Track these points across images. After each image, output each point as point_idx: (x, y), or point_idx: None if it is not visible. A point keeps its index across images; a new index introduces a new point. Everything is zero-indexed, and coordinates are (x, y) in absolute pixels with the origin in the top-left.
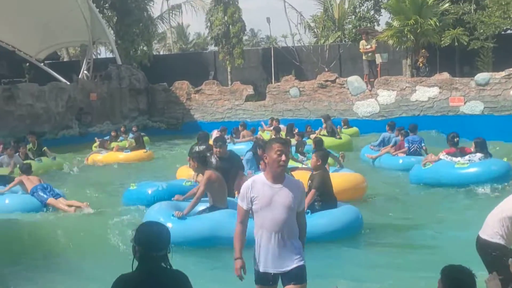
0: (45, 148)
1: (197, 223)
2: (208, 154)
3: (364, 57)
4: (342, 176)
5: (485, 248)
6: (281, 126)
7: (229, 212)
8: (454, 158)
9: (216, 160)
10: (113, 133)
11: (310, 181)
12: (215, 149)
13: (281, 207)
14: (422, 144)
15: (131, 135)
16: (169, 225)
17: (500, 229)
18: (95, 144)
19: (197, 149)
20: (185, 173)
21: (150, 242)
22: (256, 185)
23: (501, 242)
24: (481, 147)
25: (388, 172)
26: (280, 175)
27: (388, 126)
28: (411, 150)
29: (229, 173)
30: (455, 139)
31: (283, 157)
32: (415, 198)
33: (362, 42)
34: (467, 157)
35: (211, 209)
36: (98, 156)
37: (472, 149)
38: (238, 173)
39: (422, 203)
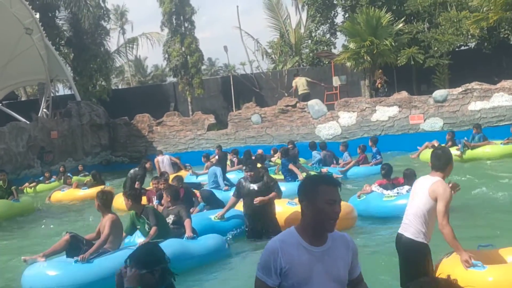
0: (13, 187)
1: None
2: (242, 180)
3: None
4: None
5: (409, 247)
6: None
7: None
8: (384, 191)
9: (248, 184)
10: (46, 174)
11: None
12: (247, 173)
13: (328, 282)
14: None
15: (69, 174)
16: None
17: (422, 227)
18: (32, 185)
19: (131, 172)
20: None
21: (138, 259)
22: (287, 248)
23: (424, 241)
24: (409, 178)
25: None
26: (325, 233)
27: (370, 141)
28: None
29: (263, 194)
30: (382, 172)
31: (337, 208)
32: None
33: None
34: (395, 189)
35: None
36: (59, 194)
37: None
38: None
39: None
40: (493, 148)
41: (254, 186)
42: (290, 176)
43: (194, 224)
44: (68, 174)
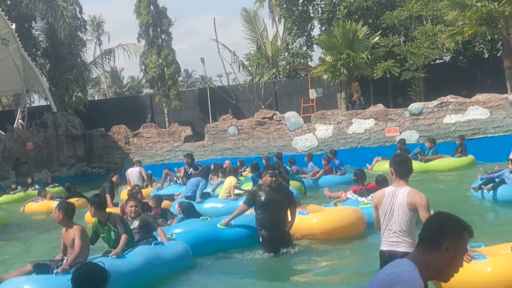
0: None
1: None
2: (255, 188)
3: None
4: (342, 211)
5: None
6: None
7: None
8: (359, 197)
9: (267, 191)
10: (12, 185)
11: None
12: (270, 178)
13: None
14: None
15: (37, 186)
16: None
17: (412, 239)
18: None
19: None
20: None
21: (79, 282)
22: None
23: None
24: (382, 184)
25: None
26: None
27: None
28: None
29: (283, 204)
30: (354, 178)
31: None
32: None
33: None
34: (370, 196)
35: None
36: (33, 205)
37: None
38: (291, 204)
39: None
40: (446, 161)
41: (274, 194)
42: None
43: (199, 231)
44: (37, 186)
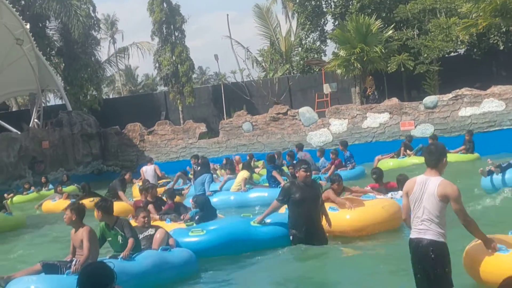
0: (5, 201)
1: None
2: (289, 184)
3: None
4: (382, 203)
5: (433, 249)
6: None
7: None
8: (377, 194)
9: (302, 188)
10: (26, 185)
11: None
12: (305, 173)
13: None
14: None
15: (51, 186)
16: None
17: (441, 228)
18: (9, 196)
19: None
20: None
21: (86, 282)
22: None
23: (445, 240)
24: (403, 184)
25: None
26: None
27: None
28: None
29: (317, 201)
30: (373, 176)
31: None
32: None
33: None
34: (389, 194)
35: None
36: (49, 204)
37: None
38: (322, 201)
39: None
40: (450, 157)
41: (310, 190)
42: (273, 182)
43: (232, 229)
44: (50, 186)
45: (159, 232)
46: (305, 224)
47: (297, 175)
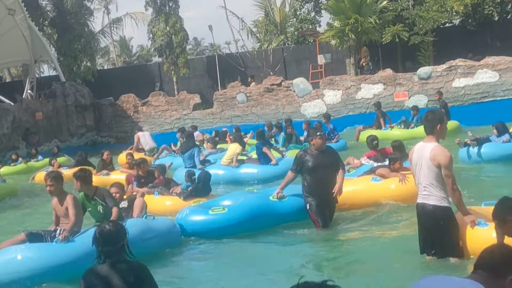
0: None
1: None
2: (302, 152)
3: None
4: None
5: (435, 213)
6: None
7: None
8: (374, 163)
9: (315, 155)
10: (13, 156)
11: None
12: (321, 140)
13: None
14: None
15: (40, 158)
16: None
17: (442, 192)
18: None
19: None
20: None
21: (102, 241)
22: None
23: (448, 204)
24: (399, 150)
25: None
26: None
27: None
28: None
29: (332, 168)
30: (374, 142)
31: None
32: None
33: None
34: (386, 163)
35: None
36: (43, 175)
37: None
38: (338, 168)
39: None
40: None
41: (323, 158)
42: (264, 159)
43: (253, 205)
44: (40, 157)
45: (139, 199)
46: (320, 191)
47: (312, 142)
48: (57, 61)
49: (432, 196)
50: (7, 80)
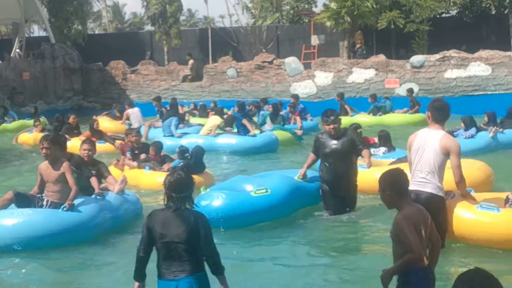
0: None
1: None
2: (320, 135)
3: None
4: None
5: (431, 202)
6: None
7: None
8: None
9: (328, 140)
10: None
11: None
12: (328, 127)
13: None
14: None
15: (7, 122)
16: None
17: (440, 182)
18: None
19: None
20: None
21: (171, 186)
22: None
23: (444, 195)
24: (384, 140)
25: None
26: None
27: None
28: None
29: (346, 155)
30: (358, 130)
31: None
32: None
33: None
34: (372, 150)
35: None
36: (25, 136)
37: (376, 141)
38: (358, 154)
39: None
40: (399, 117)
41: (336, 144)
42: (243, 130)
43: (290, 185)
44: (7, 122)
45: (111, 178)
46: (328, 178)
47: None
48: (48, 22)
49: (429, 184)
50: None
